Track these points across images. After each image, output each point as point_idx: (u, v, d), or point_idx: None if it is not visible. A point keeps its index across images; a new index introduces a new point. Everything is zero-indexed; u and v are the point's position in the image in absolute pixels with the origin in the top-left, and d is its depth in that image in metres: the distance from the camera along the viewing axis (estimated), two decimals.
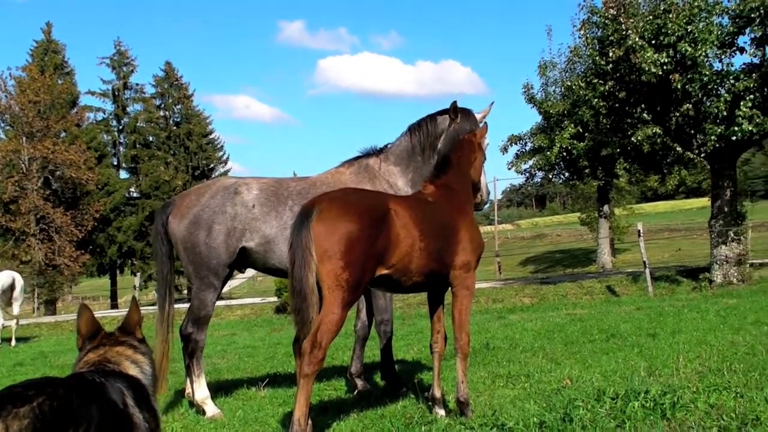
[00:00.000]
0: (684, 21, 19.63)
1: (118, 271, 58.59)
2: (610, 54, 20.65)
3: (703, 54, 19.58)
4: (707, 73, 19.72)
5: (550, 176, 37.09)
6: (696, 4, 19.75)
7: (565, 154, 32.13)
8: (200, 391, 8.16)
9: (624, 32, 20.18)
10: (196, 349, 8.21)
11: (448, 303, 6.56)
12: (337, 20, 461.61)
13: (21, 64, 51.05)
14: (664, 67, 19.79)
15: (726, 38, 20.22)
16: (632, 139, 21.93)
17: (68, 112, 50.62)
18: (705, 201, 49.66)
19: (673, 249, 54.65)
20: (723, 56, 20.55)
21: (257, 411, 8.00)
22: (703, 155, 22.08)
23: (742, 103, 19.38)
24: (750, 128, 19.31)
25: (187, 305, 8.50)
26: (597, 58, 21.42)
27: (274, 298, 29.01)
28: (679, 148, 24.28)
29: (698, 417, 5.46)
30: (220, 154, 64.03)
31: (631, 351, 9.74)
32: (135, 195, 58.89)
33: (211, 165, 62.74)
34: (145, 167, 57.82)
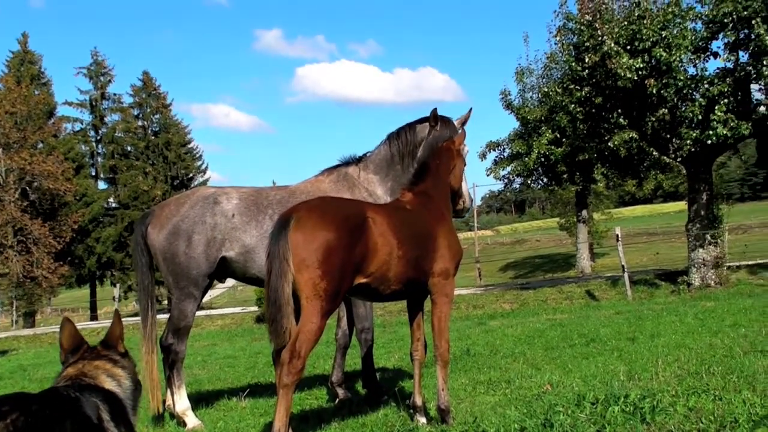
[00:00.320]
0: (658, 27, 19.76)
1: (97, 282, 58.17)
2: (586, 60, 20.74)
3: (678, 59, 19.72)
4: (682, 77, 19.85)
5: (529, 182, 37.17)
6: (670, 10, 19.89)
7: (543, 159, 32.27)
8: (181, 402, 8.11)
9: (599, 38, 20.29)
10: (176, 360, 8.16)
11: (428, 310, 6.56)
12: (315, 28, 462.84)
13: None
14: (640, 73, 19.91)
15: (700, 43, 20.36)
16: (609, 144, 22.03)
17: (45, 123, 50.23)
18: (682, 205, 49.92)
19: (651, 253, 55.01)
20: (697, 61, 20.71)
21: (238, 422, 7.96)
22: (679, 159, 22.22)
23: (716, 108, 19.51)
24: (725, 132, 19.45)
25: (167, 316, 8.44)
26: (573, 64, 21.51)
27: (255, 308, 28.94)
28: (656, 153, 24.44)
29: (677, 420, 5.47)
30: (199, 163, 63.77)
31: (610, 355, 9.77)
32: (114, 205, 58.51)
33: (190, 174, 62.46)
34: (124, 177, 57.49)
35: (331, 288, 5.47)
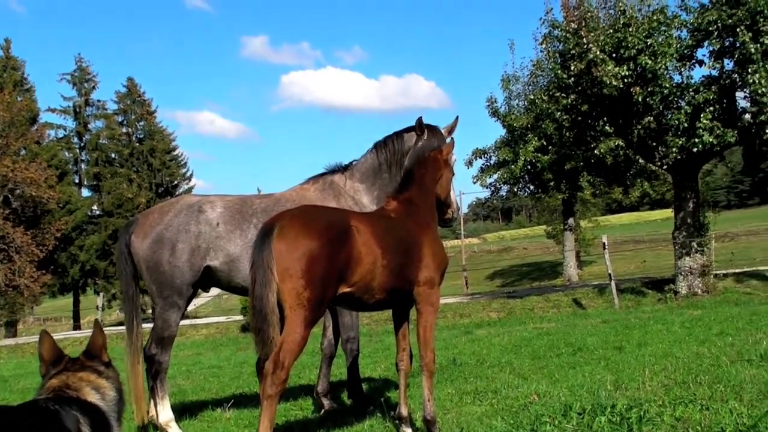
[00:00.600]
0: (644, 34, 19.86)
1: (80, 291, 57.86)
2: (572, 67, 20.82)
3: (663, 67, 19.82)
4: (667, 85, 19.94)
5: (516, 190, 37.28)
6: (655, 17, 20.00)
7: (529, 167, 32.32)
8: (164, 413, 8.05)
9: (585, 46, 20.37)
10: (160, 370, 8.11)
11: (414, 319, 6.54)
12: (300, 35, 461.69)
13: None
14: (625, 80, 19.99)
15: (685, 51, 20.48)
16: (595, 151, 22.09)
17: (28, 130, 49.92)
18: (669, 212, 50.21)
19: (638, 261, 55.11)
20: (683, 69, 20.82)
21: None
22: (665, 167, 22.31)
23: (702, 115, 19.60)
24: (711, 140, 19.53)
25: (151, 325, 8.39)
26: (559, 71, 21.59)
27: (240, 317, 28.87)
28: (642, 161, 24.55)
29: (665, 431, 5.48)
30: (184, 170, 63.64)
31: (597, 365, 9.78)
32: (97, 213, 58.25)
33: (175, 182, 62.31)
34: (108, 185, 57.28)
35: (314, 297, 5.45)
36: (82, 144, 60.04)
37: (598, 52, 20.07)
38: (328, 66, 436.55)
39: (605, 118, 21.43)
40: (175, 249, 7.99)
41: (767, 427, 5.22)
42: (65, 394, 3.37)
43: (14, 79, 53.92)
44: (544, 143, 30.61)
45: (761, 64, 18.83)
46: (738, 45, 19.31)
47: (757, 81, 18.79)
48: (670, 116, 20.50)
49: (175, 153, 63.30)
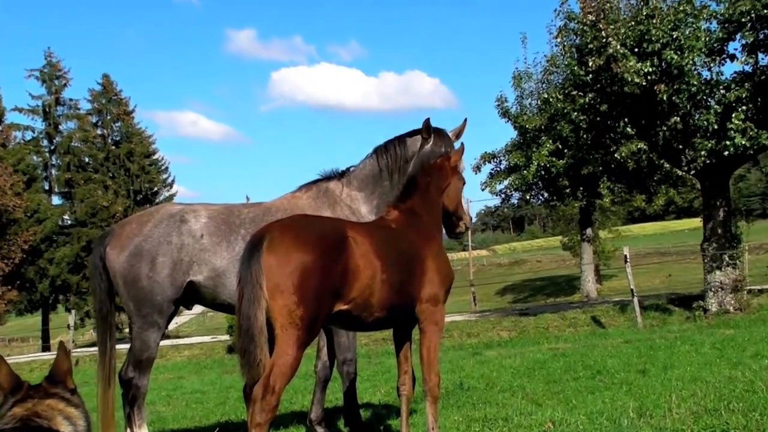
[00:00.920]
0: (669, 27, 19.82)
1: (50, 309, 57.83)
2: (590, 63, 20.79)
3: (691, 62, 19.77)
4: (695, 82, 19.89)
5: (528, 197, 37.25)
6: (682, 8, 19.94)
7: (543, 172, 32.27)
8: None
9: (604, 39, 20.35)
10: (137, 395, 8.10)
11: (416, 339, 6.54)
12: (292, 28, 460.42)
13: None
14: (649, 77, 19.96)
15: (715, 45, 20.43)
16: (616, 155, 22.04)
17: None
18: (697, 222, 50.21)
19: (663, 275, 55.15)
20: (712, 64, 20.74)
21: None
22: (693, 172, 22.29)
23: (734, 115, 19.54)
24: (743, 142, 19.48)
25: (128, 346, 8.37)
26: (575, 68, 21.56)
27: (226, 337, 28.83)
28: (667, 165, 24.52)
29: None
30: (165, 176, 63.78)
31: (619, 389, 9.77)
32: (69, 223, 58.33)
33: (155, 189, 62.42)
34: (81, 192, 57.32)
35: (308, 315, 5.45)
36: (53, 147, 60.12)
37: (618, 47, 20.05)
38: (323, 62, 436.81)
39: (626, 119, 21.41)
40: (154, 263, 7.99)
41: None
42: (34, 423, 3.36)
43: None
44: (560, 146, 30.61)
45: None
46: None
47: None
48: (698, 116, 20.46)
49: (155, 157, 63.45)
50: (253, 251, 5.54)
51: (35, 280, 53.84)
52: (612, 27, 20.47)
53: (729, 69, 22.35)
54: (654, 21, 19.98)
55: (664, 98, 20.05)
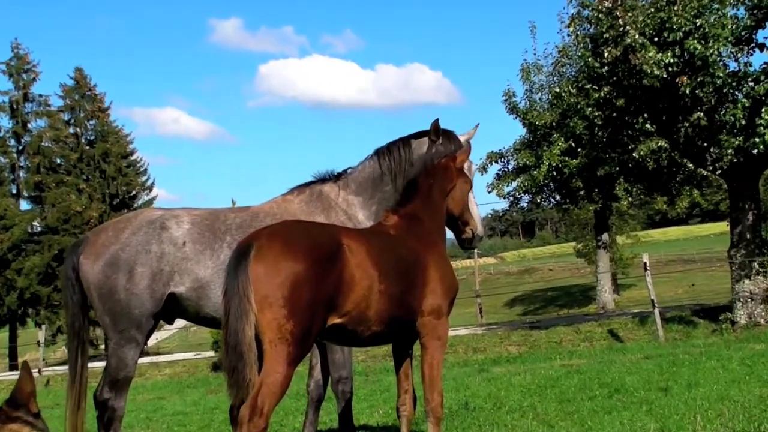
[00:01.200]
0: (692, 14, 19.81)
1: (19, 324, 57.71)
2: (606, 54, 20.80)
3: (716, 52, 19.74)
4: (721, 74, 19.86)
5: (539, 200, 37.24)
6: None
7: (555, 173, 32.25)
8: None
9: (621, 28, 20.35)
10: (113, 418, 8.09)
11: (418, 355, 6.55)
12: (281, 18, 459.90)
13: None
14: (670, 69, 19.95)
15: (742, 33, 20.41)
16: (634, 154, 22.07)
17: None
18: (723, 226, 50.18)
19: (687, 284, 55.20)
20: (739, 54, 20.73)
21: None
22: (718, 172, 22.29)
23: (763, 110, 19.50)
24: None
25: (103, 364, 8.37)
26: (590, 59, 21.58)
27: (211, 353, 28.84)
28: (690, 165, 24.55)
29: None
30: (144, 178, 63.65)
31: (638, 409, 9.78)
32: (39, 230, 58.16)
33: (133, 192, 62.31)
34: (52, 196, 57.21)
35: (299, 330, 5.46)
36: (21, 147, 59.94)
37: (636, 36, 20.05)
38: (315, 54, 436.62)
39: (646, 115, 21.40)
40: (132, 273, 7.99)
41: None
42: None
43: None
44: (573, 144, 30.59)
45: None
46: None
47: None
48: (724, 111, 20.45)
49: (133, 158, 63.34)
50: (239, 260, 5.55)
51: (2, 293, 53.69)
52: (630, 14, 20.46)
53: (758, 59, 22.39)
54: (675, 8, 19.95)
55: (687, 92, 20.03)
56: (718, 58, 19.90)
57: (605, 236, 40.19)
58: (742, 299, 22.38)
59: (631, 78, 20.63)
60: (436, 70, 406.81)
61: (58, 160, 59.82)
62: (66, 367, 9.02)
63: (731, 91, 20.40)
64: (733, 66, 20.67)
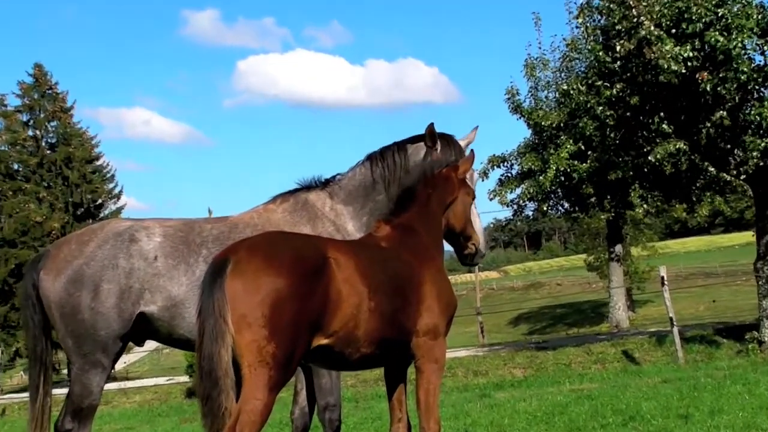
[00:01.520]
0: (713, 3, 19.83)
1: None
2: (618, 48, 20.83)
3: (740, 45, 19.74)
4: (745, 69, 19.86)
5: (545, 208, 37.19)
6: None
7: (563, 178, 32.24)
8: None
9: (635, 19, 20.38)
10: None
11: (412, 380, 6.55)
12: (261, 8, 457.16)
13: None
14: (689, 64, 19.98)
15: None
16: (650, 157, 22.09)
17: None
18: (749, 236, 50.25)
19: (708, 300, 55.30)
20: (766, 47, 20.78)
21: None
22: (743, 177, 22.29)
23: None
24: None
25: (65, 390, 8.36)
26: (601, 53, 21.61)
27: (185, 378, 28.82)
28: (712, 169, 24.56)
29: None
30: (111, 186, 63.54)
31: None
32: None
33: (99, 201, 62.20)
34: (9, 205, 57.11)
35: (281, 352, 5.44)
36: None
37: (652, 28, 20.08)
38: (299, 49, 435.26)
39: (662, 114, 21.44)
40: (98, 290, 7.98)
41: None
42: None
43: None
44: (582, 147, 30.65)
45: None
46: None
47: None
48: (748, 110, 20.47)
49: (98, 163, 63.22)
50: (215, 276, 5.54)
51: None
52: (644, 4, 20.49)
53: None
54: None
55: (708, 89, 20.05)
56: (742, 52, 19.90)
57: (619, 248, 40.27)
58: None
59: (646, 74, 20.66)
60: (432, 66, 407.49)
61: (16, 166, 59.70)
62: (25, 395, 9.02)
63: (757, 87, 20.45)
64: (758, 60, 20.72)
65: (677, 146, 21.56)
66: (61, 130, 61.47)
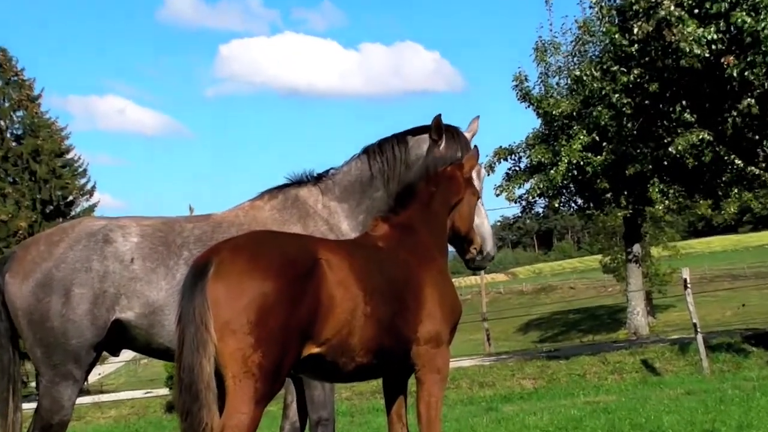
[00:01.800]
0: None
1: None
2: (635, 30, 20.85)
3: None
4: None
5: (557, 204, 37.17)
6: None
7: (575, 172, 32.22)
8: None
9: None
10: None
11: (413, 392, 6.55)
12: None
13: None
14: (713, 47, 20.00)
15: None
16: (670, 149, 22.14)
17: None
18: None
19: (736, 304, 55.30)
20: None
21: None
22: None
23: None
24: None
25: (34, 405, 8.35)
26: (617, 35, 21.64)
27: (165, 391, 28.82)
28: (739, 161, 24.60)
29: None
30: (83, 181, 63.54)
31: None
32: None
33: (70, 198, 62.18)
34: None
35: (268, 362, 5.43)
36: None
37: (672, 8, 20.10)
38: (288, 32, 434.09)
39: (684, 102, 21.47)
40: (69, 296, 7.96)
41: None
42: None
43: None
44: (597, 138, 30.63)
45: None
46: None
47: None
48: None
49: (69, 156, 63.20)
50: (195, 280, 5.52)
51: None
52: None
53: None
54: None
55: (734, 74, 20.07)
56: None
57: (637, 248, 40.23)
58: None
59: (667, 58, 20.68)
60: (433, 50, 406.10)
61: None
62: None
63: None
64: None
65: (700, 137, 21.60)
66: (28, 120, 61.38)
